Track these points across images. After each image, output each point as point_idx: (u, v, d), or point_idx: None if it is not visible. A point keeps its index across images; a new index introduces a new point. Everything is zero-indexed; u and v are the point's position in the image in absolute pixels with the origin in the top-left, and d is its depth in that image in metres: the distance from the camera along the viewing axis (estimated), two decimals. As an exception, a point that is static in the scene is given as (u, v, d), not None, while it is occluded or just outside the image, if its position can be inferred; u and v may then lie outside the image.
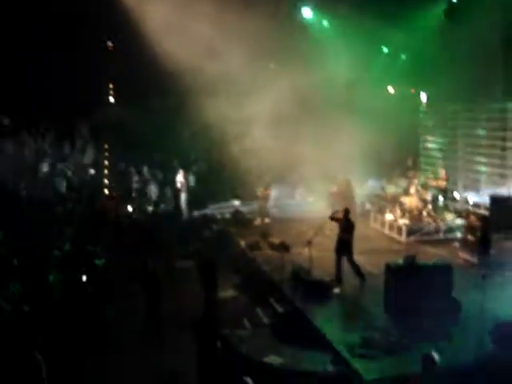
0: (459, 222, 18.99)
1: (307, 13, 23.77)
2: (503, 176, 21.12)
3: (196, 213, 23.89)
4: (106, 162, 24.75)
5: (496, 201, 19.12)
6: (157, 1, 19.18)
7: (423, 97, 26.31)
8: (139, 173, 25.23)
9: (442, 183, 20.38)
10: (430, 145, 25.90)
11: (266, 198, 22.56)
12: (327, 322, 12.31)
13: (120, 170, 25.29)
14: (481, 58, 20.48)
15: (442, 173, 20.68)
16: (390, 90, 26.49)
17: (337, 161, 22.18)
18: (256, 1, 19.47)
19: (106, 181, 24.76)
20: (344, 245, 14.58)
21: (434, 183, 20.53)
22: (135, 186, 24.68)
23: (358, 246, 15.17)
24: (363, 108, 23.18)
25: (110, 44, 22.32)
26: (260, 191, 22.51)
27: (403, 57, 25.12)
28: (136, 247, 18.82)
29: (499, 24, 20.25)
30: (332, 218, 15.07)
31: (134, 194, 24.31)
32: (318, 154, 21.76)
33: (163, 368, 11.33)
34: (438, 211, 19.83)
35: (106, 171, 24.76)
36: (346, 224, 14.72)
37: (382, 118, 23.05)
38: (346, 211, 14.88)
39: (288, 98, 21.70)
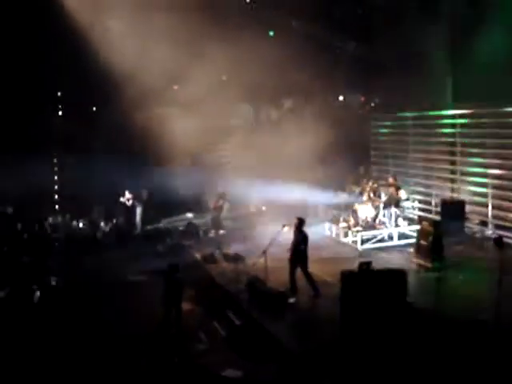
0: (412, 227, 19.14)
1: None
2: (453, 181, 21.46)
3: (149, 227, 23.65)
4: (56, 177, 24.30)
5: (447, 205, 19.39)
6: (107, 13, 18.96)
7: (373, 105, 26.64)
8: (90, 188, 24.77)
9: (393, 190, 20.56)
10: (381, 152, 26.18)
11: (219, 209, 22.43)
12: (284, 332, 12.24)
13: (70, 185, 24.76)
14: (430, 66, 20.79)
15: (391, 180, 20.90)
16: (340, 98, 26.77)
17: (289, 170, 22.20)
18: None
19: (56, 196, 24.31)
20: (298, 256, 14.50)
21: (385, 190, 20.70)
22: (86, 201, 24.23)
23: (312, 254, 15.12)
24: (316, 117, 23.29)
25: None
26: (213, 203, 22.37)
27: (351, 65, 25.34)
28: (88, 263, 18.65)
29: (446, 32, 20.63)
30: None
31: (85, 210, 23.90)
32: (271, 164, 21.77)
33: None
34: (390, 218, 19.98)
35: (55, 187, 24.31)
36: (300, 235, 14.63)
37: (335, 126, 23.19)
38: (300, 221, 14.79)
39: (240, 109, 21.73)
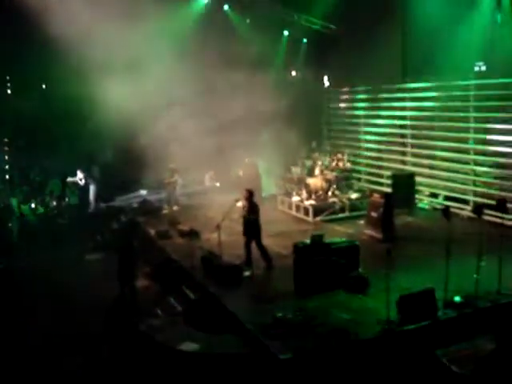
0: (363, 199, 19.49)
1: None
2: (403, 154, 21.86)
3: (103, 205, 23.51)
4: (6, 157, 23.87)
5: (397, 178, 19.77)
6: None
7: (325, 80, 26.84)
8: (41, 167, 24.42)
9: (342, 164, 20.89)
10: (334, 127, 26.46)
11: (173, 185, 22.41)
12: (239, 305, 12.38)
13: (21, 166, 24.34)
14: (380, 40, 21.02)
15: (339, 154, 21.24)
16: (293, 73, 26.88)
17: (243, 145, 22.26)
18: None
19: (7, 177, 23.90)
20: (251, 227, 14.61)
21: (335, 164, 20.99)
22: (37, 180, 23.94)
23: (266, 229, 15.27)
24: (268, 91, 23.32)
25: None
26: (166, 179, 22.33)
27: (304, 40, 25.47)
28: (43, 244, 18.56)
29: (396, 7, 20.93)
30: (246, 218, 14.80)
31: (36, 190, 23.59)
32: (225, 139, 21.79)
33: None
34: (342, 191, 20.30)
35: (6, 167, 23.89)
36: (250, 206, 14.69)
37: (286, 101, 23.32)
38: (250, 193, 14.85)
39: (191, 84, 21.59)
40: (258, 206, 14.76)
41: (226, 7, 23.64)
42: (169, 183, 22.32)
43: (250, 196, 14.69)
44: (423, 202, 19.96)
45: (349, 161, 21.10)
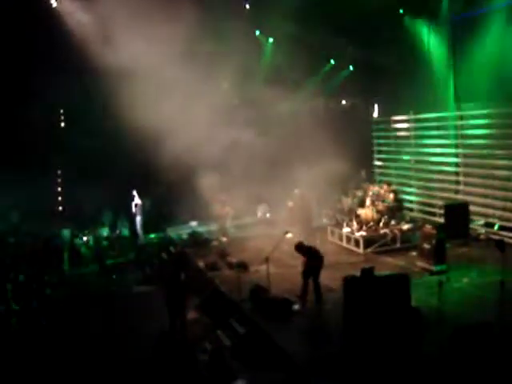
0: (415, 231, 19.10)
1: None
2: (457, 183, 21.41)
3: (153, 236, 23.69)
4: (59, 189, 24.31)
5: (450, 208, 19.32)
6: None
7: (375, 108, 26.65)
8: (93, 198, 24.75)
9: (393, 194, 20.53)
10: (383, 156, 26.16)
11: (224, 216, 22.46)
12: (288, 340, 12.17)
13: (73, 197, 24.75)
14: (431, 68, 20.81)
15: (385, 187, 20.87)
16: (343, 102, 26.80)
17: (294, 175, 22.18)
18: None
19: (60, 208, 24.32)
20: (313, 271, 14.40)
21: (386, 195, 20.62)
22: (90, 211, 24.24)
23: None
24: (316, 120, 23.28)
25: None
26: (217, 210, 22.38)
27: (351, 68, 25.38)
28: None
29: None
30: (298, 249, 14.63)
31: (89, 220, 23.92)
32: (277, 170, 21.78)
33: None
34: (394, 221, 19.93)
35: (59, 198, 24.32)
36: (307, 256, 14.45)
37: (336, 130, 23.17)
38: (299, 247, 14.53)
39: (242, 116, 21.73)
40: (313, 253, 14.50)
41: (270, 40, 23.70)
42: (220, 214, 22.37)
43: (300, 249, 14.49)
44: (477, 232, 19.40)
45: (400, 191, 20.69)
